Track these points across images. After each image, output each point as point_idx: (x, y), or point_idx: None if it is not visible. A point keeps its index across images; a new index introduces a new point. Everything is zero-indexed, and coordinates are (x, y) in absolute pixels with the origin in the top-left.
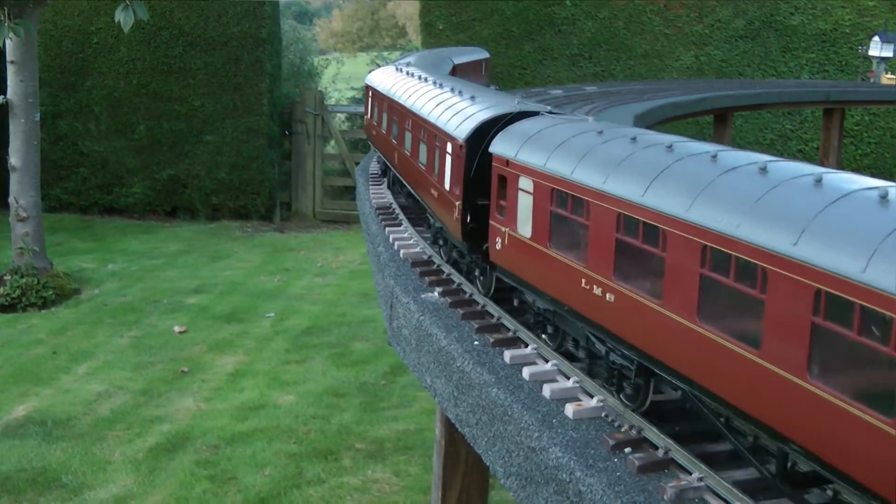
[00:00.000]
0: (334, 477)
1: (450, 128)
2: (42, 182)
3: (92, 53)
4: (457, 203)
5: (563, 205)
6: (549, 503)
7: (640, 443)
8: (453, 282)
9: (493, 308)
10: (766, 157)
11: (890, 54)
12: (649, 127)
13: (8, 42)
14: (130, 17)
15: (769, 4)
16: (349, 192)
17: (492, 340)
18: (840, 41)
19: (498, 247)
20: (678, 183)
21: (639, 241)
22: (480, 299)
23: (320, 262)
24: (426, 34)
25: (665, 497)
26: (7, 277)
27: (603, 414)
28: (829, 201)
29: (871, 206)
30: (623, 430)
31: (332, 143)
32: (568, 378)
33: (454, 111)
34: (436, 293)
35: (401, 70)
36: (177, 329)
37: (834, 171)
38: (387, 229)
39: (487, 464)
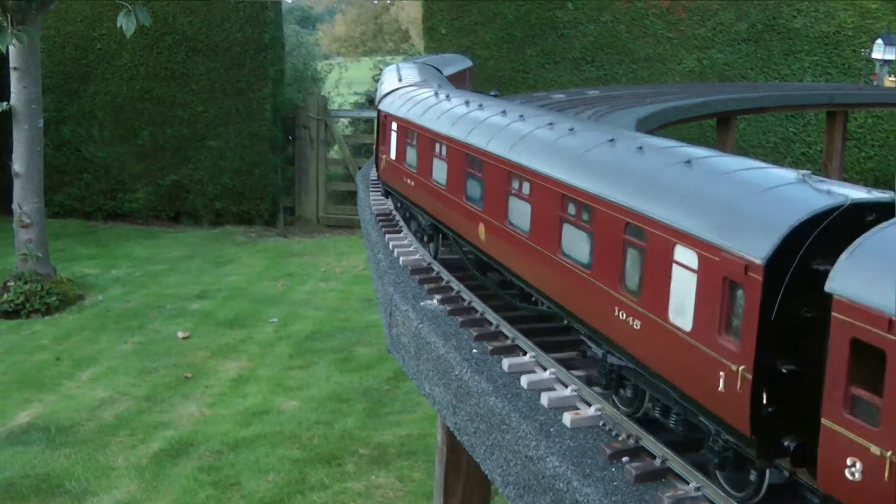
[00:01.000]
0: (338, 482)
1: (702, 228)
2: (45, 188)
3: (95, 59)
4: (736, 367)
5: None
6: None
7: (637, 452)
8: (452, 289)
9: (491, 316)
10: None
11: (893, 57)
12: (651, 132)
13: (11, 48)
14: (133, 23)
15: (772, 7)
16: (353, 196)
17: (490, 348)
18: (843, 44)
19: None
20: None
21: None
22: (479, 307)
23: (324, 267)
24: (428, 39)
25: None
26: (11, 283)
27: (601, 423)
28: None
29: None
30: (620, 438)
31: (336, 147)
32: (566, 386)
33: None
34: (435, 300)
35: (439, 96)
36: (180, 334)
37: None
38: (386, 236)
39: (486, 472)
